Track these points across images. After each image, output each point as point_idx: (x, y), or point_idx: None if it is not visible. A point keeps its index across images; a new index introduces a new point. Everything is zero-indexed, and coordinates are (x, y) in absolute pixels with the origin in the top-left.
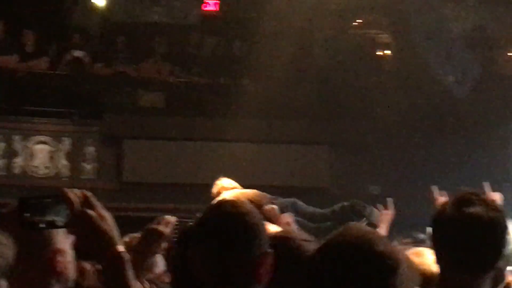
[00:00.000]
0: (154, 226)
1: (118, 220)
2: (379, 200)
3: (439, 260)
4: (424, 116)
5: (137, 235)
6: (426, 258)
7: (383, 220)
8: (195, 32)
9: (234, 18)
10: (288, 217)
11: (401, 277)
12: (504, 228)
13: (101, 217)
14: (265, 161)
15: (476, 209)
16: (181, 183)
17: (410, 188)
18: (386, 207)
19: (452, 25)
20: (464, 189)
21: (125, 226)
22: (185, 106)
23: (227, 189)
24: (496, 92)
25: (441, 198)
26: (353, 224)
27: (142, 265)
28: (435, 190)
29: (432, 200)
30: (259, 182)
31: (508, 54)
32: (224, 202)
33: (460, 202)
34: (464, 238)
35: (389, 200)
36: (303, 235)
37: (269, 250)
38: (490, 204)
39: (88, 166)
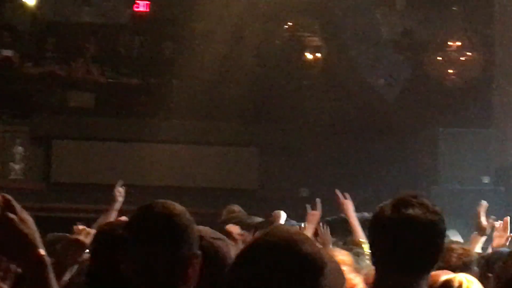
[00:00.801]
0: (75, 236)
1: (46, 220)
2: (307, 203)
3: (376, 261)
4: (353, 118)
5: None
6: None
7: (311, 220)
8: (125, 33)
9: (164, 19)
10: (234, 227)
11: (327, 278)
12: (442, 231)
13: (22, 220)
14: (194, 162)
15: (414, 211)
16: (110, 184)
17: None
18: (314, 208)
19: (382, 29)
20: (404, 191)
21: (52, 226)
22: (115, 106)
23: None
24: (424, 95)
25: (346, 202)
26: (278, 225)
27: (62, 274)
28: (339, 193)
29: (337, 203)
30: (188, 184)
31: (436, 57)
32: (154, 203)
33: (399, 204)
34: (402, 240)
35: (317, 201)
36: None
37: (198, 251)
38: (428, 207)
39: (16, 166)
